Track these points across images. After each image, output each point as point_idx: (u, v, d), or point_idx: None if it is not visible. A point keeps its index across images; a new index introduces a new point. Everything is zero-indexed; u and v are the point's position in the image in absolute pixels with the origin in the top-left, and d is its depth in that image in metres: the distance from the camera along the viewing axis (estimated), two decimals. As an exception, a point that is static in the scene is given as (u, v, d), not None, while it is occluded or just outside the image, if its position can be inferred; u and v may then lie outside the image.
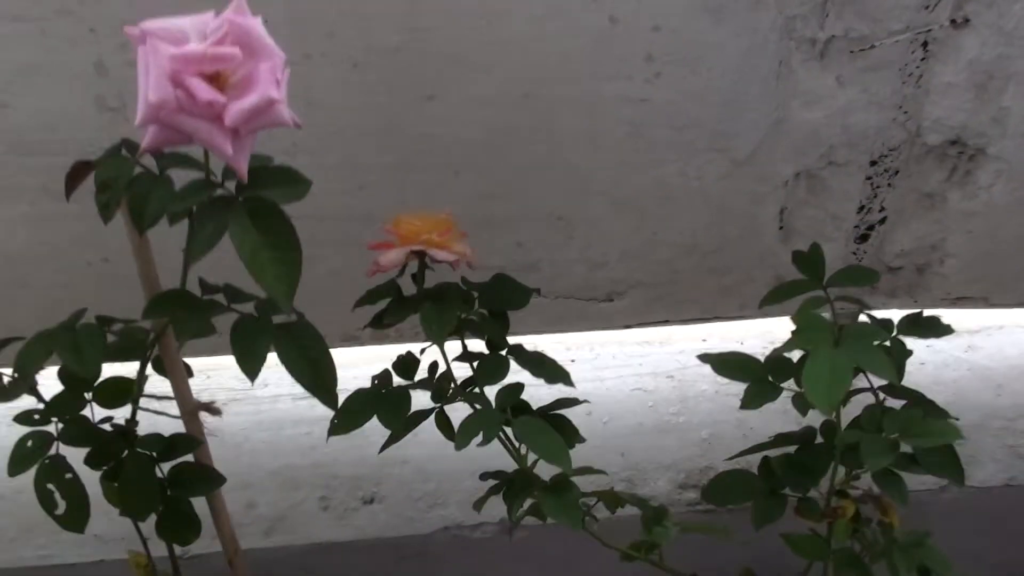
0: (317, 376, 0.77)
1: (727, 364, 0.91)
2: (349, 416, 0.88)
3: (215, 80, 0.64)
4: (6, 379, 0.82)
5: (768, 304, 0.93)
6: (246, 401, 1.35)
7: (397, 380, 0.92)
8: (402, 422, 0.87)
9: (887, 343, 0.91)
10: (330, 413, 1.17)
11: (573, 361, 1.46)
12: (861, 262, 1.25)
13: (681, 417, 1.35)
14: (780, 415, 1.34)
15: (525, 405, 0.91)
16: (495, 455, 0.91)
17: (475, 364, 0.91)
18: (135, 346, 0.82)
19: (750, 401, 0.88)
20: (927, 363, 1.48)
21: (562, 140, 1.07)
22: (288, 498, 1.25)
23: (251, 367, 0.73)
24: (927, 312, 0.95)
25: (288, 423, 1.32)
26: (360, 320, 0.93)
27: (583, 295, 1.23)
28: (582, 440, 0.92)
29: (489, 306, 0.93)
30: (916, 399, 0.90)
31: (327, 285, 1.04)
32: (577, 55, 1.00)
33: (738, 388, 1.37)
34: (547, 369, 0.90)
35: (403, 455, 1.30)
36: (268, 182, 0.68)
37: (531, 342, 1.01)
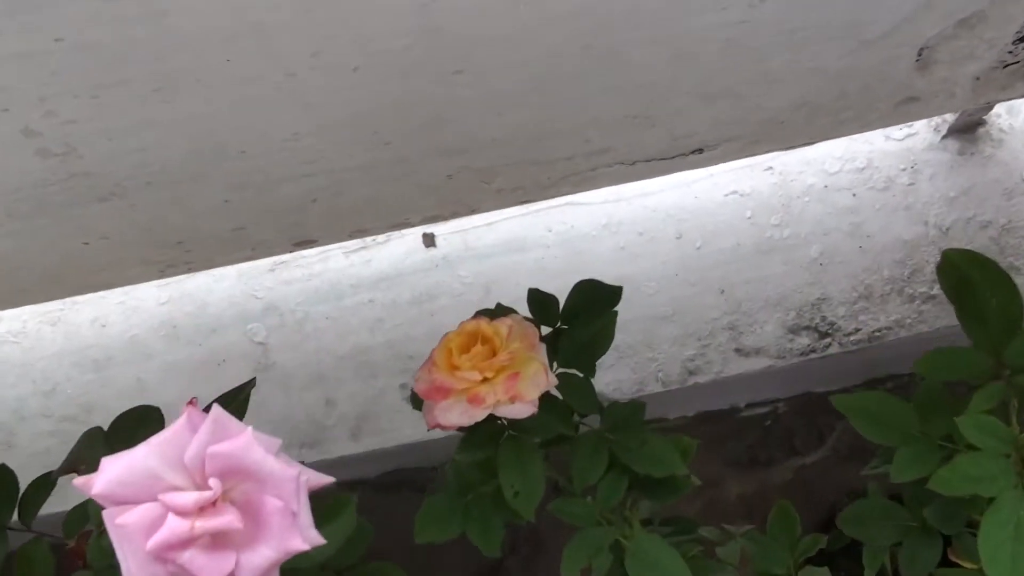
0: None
1: (868, 416, 0.75)
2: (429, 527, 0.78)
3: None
4: None
5: (925, 371, 0.74)
6: (294, 263, 1.21)
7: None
8: (497, 541, 0.76)
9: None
10: (387, 271, 1.16)
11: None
12: (1018, 63, 0.99)
13: (786, 229, 1.18)
14: (902, 214, 1.16)
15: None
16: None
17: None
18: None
19: (901, 470, 0.73)
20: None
21: (633, 71, 0.80)
22: (366, 390, 1.17)
23: None
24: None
25: (346, 289, 1.19)
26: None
27: (667, 155, 1.02)
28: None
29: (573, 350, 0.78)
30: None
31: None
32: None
33: (849, 179, 1.18)
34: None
35: (480, 321, 1.17)
36: None
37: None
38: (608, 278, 1.16)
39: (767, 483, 1.26)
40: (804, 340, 1.14)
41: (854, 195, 1.18)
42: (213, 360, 1.18)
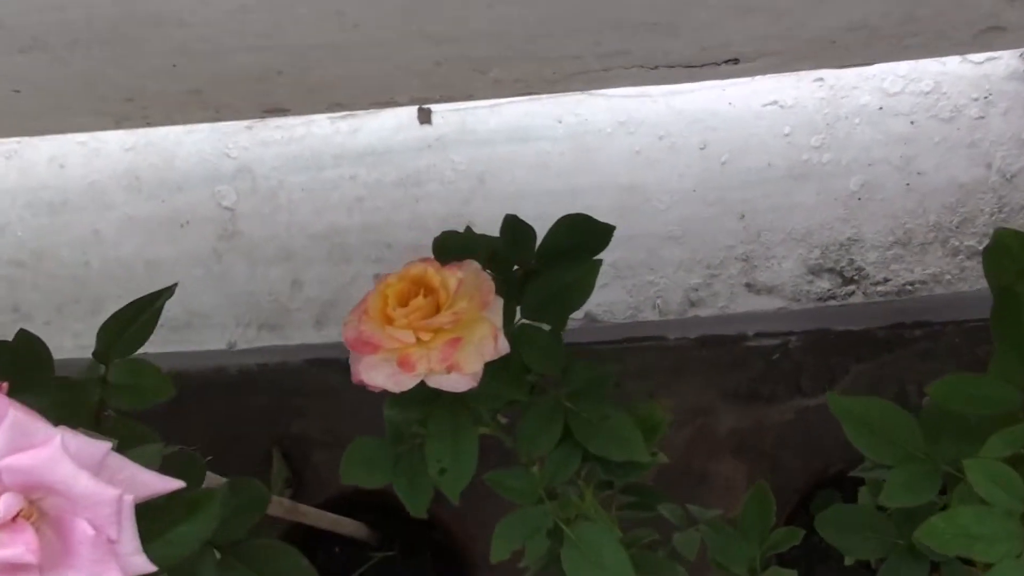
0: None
1: (866, 426, 0.64)
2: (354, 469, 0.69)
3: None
4: None
5: (940, 398, 0.62)
6: (273, 123, 1.09)
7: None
8: (424, 501, 0.68)
9: None
10: (375, 145, 1.06)
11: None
12: None
13: (825, 153, 1.03)
14: (964, 152, 1.02)
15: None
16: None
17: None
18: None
19: (893, 494, 0.63)
20: None
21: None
22: (338, 275, 1.07)
23: None
24: None
25: (328, 160, 1.07)
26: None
27: (694, 63, 0.87)
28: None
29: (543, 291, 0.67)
30: None
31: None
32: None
33: (909, 103, 1.03)
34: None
35: (469, 214, 1.06)
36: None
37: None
38: (615, 185, 1.04)
39: (764, 421, 1.16)
40: (824, 284, 1.01)
41: (912, 123, 1.03)
42: (176, 220, 1.08)
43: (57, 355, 0.71)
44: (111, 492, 0.41)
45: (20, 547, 0.39)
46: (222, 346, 1.06)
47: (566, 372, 0.70)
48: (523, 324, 0.69)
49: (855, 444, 0.66)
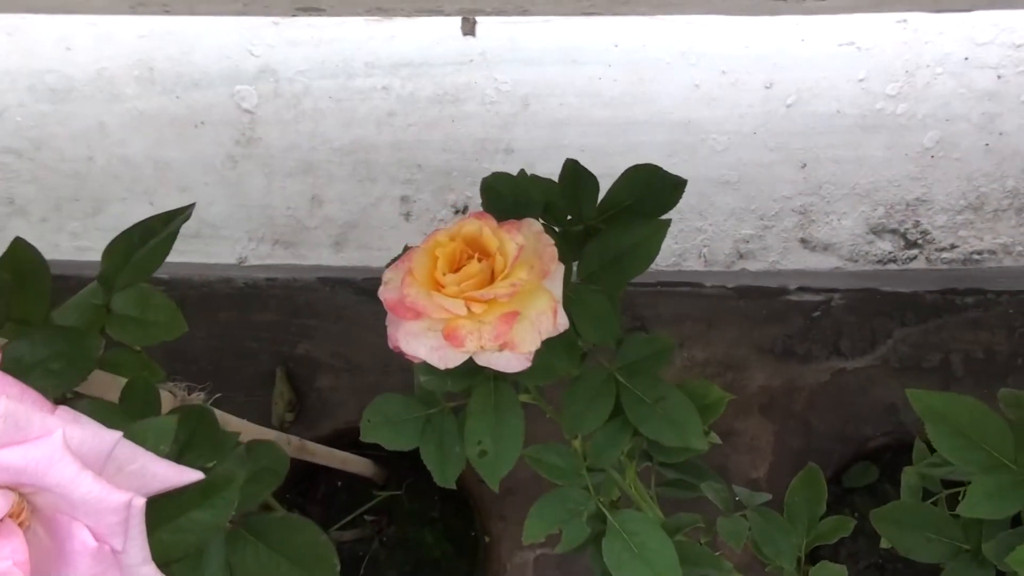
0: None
1: (952, 427, 0.57)
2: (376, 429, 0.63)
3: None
4: None
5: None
6: (303, 21, 1.00)
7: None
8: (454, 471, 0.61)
9: None
10: (412, 55, 0.96)
11: None
12: None
13: (901, 104, 0.95)
14: (1049, 113, 0.93)
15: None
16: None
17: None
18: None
19: (975, 504, 0.57)
20: None
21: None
22: (361, 194, 0.99)
23: None
24: None
25: (359, 67, 0.99)
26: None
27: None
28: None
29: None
30: None
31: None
32: None
33: (998, 55, 0.94)
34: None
35: (509, 140, 0.98)
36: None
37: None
38: (670, 121, 0.95)
39: (797, 381, 1.10)
40: (886, 245, 0.94)
41: (999, 77, 0.94)
42: (190, 119, 1.00)
43: (52, 255, 0.64)
44: (119, 498, 0.34)
45: (6, 558, 0.33)
46: (232, 260, 0.99)
47: (620, 344, 0.63)
48: (578, 286, 0.61)
49: (936, 446, 0.59)
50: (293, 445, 0.82)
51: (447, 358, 0.52)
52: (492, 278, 0.52)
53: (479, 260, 0.52)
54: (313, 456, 0.86)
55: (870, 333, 1.10)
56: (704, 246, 0.95)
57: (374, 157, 0.98)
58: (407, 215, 0.98)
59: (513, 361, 0.52)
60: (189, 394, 0.69)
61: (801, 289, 1.10)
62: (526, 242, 0.53)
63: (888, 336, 1.09)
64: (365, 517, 1.03)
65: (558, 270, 0.54)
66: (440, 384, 0.57)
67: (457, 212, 0.97)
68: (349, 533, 1.01)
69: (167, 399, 0.67)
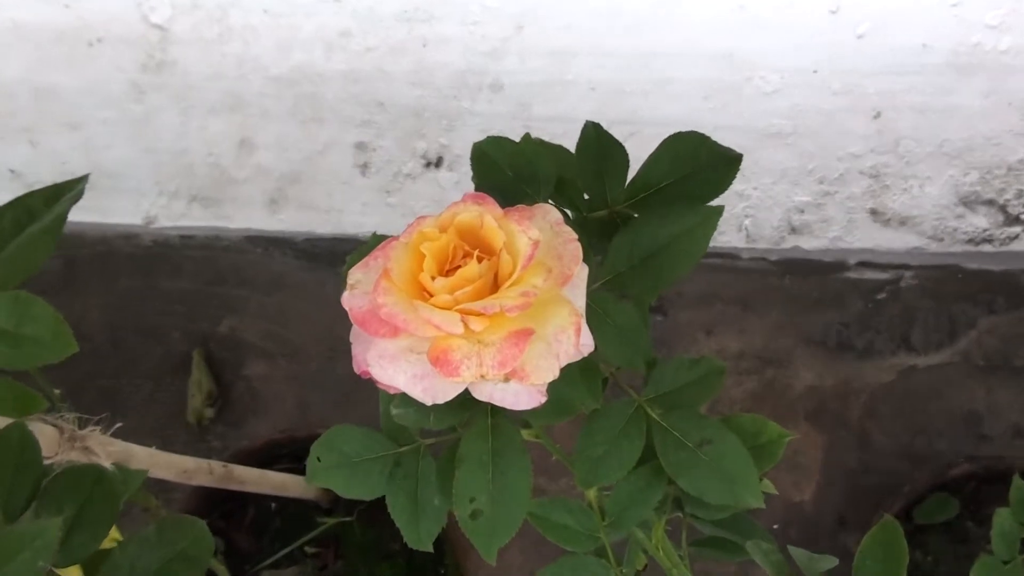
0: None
1: None
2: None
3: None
4: None
5: None
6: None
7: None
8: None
9: None
10: None
11: None
12: None
13: (1005, 36, 0.74)
14: None
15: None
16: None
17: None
18: None
19: None
20: None
21: None
22: (306, 138, 0.77)
23: None
24: None
25: (306, -28, 0.76)
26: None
27: None
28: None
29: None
30: None
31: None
32: None
33: None
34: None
35: (497, 73, 0.76)
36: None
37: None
38: (705, 52, 0.76)
39: (854, 382, 0.90)
40: (979, 220, 0.74)
41: None
42: (83, 35, 0.79)
43: None
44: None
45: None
46: (136, 220, 0.77)
47: (652, 367, 0.46)
48: (599, 292, 0.43)
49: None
50: (217, 474, 0.64)
51: (435, 390, 0.38)
52: (496, 284, 0.38)
53: (479, 260, 0.38)
54: (243, 485, 0.67)
55: (949, 322, 0.89)
56: (746, 216, 0.75)
57: (322, 90, 0.76)
58: (364, 167, 0.76)
59: (523, 395, 0.39)
60: (80, 428, 0.54)
61: (862, 265, 0.89)
62: (544, 235, 0.35)
63: (971, 326, 0.90)
64: (306, 549, 0.83)
65: (581, 273, 0.39)
66: (419, 420, 0.40)
67: (429, 165, 0.76)
68: (286, 572, 0.81)
69: (51, 436, 0.52)
